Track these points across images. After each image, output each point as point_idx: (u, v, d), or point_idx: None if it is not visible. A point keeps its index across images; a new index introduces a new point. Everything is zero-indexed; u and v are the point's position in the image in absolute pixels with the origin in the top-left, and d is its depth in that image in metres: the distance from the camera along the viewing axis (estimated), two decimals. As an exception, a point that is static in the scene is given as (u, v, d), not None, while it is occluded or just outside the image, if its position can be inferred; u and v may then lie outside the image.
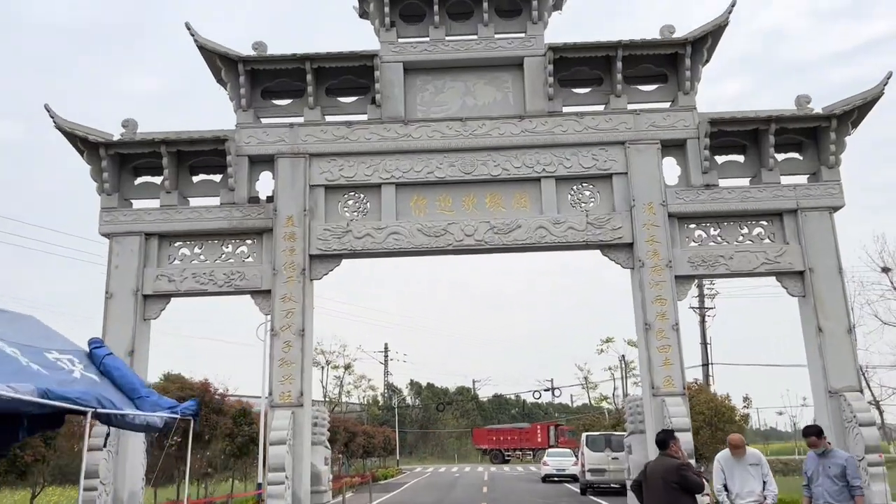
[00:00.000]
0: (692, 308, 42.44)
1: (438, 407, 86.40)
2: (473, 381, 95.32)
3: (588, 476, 26.71)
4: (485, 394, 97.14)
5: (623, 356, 43.22)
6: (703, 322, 41.73)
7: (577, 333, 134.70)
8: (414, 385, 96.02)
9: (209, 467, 21.86)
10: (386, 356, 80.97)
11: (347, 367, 40.79)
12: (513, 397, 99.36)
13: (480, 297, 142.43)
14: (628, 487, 14.83)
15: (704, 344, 40.48)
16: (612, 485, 26.80)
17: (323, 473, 14.01)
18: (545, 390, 67.07)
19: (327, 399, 40.03)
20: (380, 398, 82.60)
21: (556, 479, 37.51)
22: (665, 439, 7.32)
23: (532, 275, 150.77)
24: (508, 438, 66.23)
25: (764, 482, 8.02)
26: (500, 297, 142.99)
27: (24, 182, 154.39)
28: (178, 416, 6.78)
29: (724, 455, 8.32)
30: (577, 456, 38.03)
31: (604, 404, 55.50)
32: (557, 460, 38.04)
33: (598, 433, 29.59)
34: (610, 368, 47.03)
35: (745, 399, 26.90)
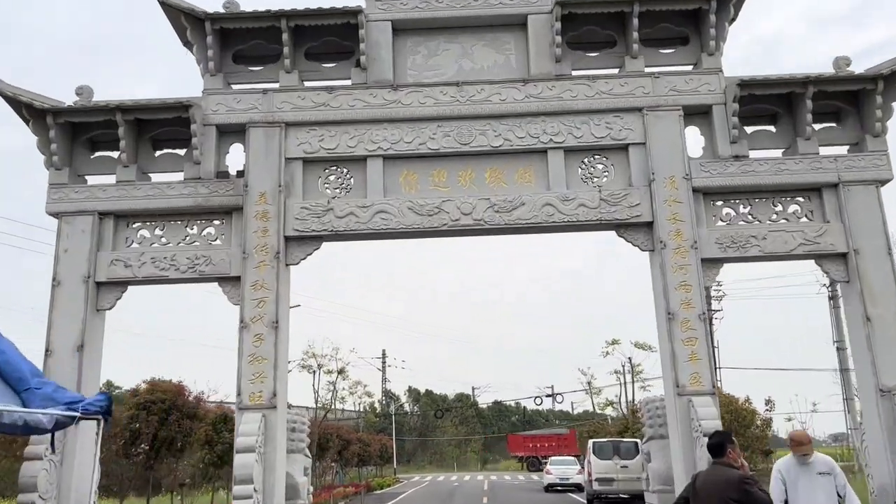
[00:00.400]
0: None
1: (437, 414, 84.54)
2: (473, 388, 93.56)
3: (595, 486, 25.03)
4: (485, 400, 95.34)
5: (630, 358, 41.53)
6: (710, 324, 40.16)
7: (579, 337, 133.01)
8: (412, 392, 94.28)
9: (187, 477, 20.16)
10: (384, 362, 79.21)
11: (341, 371, 38.96)
12: (513, 404, 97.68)
13: (480, 302, 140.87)
14: (648, 501, 13.32)
15: (712, 347, 38.89)
16: (620, 495, 25.17)
17: (301, 485, 12.37)
18: (547, 396, 65.29)
19: (320, 405, 38.23)
20: (377, 405, 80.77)
21: (559, 488, 35.88)
22: (721, 443, 5.67)
23: (532, 277, 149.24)
24: (546, 445, 63.39)
25: (839, 496, 6.33)
26: (500, 301, 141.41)
27: (23, 187, 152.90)
28: (78, 415, 5.16)
29: (785, 462, 6.65)
30: (582, 464, 36.45)
31: (608, 410, 53.73)
32: (561, 468, 36.39)
33: (605, 440, 27.92)
34: (616, 372, 45.24)
35: (768, 402, 25.15)
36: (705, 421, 10.60)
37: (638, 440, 26.79)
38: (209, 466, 20.33)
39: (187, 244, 12.18)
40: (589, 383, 55.34)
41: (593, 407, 56.95)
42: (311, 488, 13.24)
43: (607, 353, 43.54)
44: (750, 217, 12.14)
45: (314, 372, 36.08)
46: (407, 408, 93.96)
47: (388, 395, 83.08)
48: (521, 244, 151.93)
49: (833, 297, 44.98)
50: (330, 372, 38.27)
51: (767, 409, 25.21)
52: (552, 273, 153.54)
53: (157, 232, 12.28)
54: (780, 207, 12.18)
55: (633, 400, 40.31)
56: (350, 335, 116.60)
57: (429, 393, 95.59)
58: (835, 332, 43.45)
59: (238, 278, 11.79)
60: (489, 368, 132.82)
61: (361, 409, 72.20)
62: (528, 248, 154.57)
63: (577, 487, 34.62)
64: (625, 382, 46.14)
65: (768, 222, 12.07)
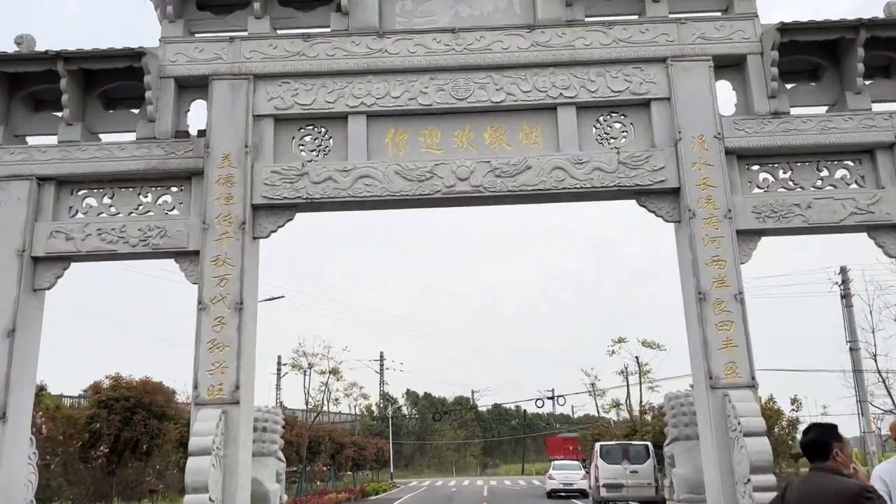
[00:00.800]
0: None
1: (435, 416, 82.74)
2: (472, 392, 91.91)
3: (603, 492, 23.38)
4: (485, 403, 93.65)
5: (637, 357, 39.81)
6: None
7: (579, 339, 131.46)
8: (410, 394, 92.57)
9: (160, 483, 18.45)
10: (381, 365, 77.58)
11: (334, 371, 37.20)
12: (513, 407, 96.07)
13: (479, 302, 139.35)
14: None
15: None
16: (630, 502, 23.52)
17: (272, 493, 10.77)
18: (548, 398, 63.50)
19: (311, 406, 36.49)
20: (374, 408, 79.02)
21: (562, 494, 34.27)
22: (824, 442, 3.98)
23: (532, 278, 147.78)
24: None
25: None
26: (500, 302, 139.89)
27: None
28: None
29: (888, 468, 4.99)
30: (586, 469, 34.87)
31: (612, 413, 52.00)
32: (564, 473, 34.76)
33: (613, 443, 26.25)
34: (622, 372, 43.48)
35: (794, 401, 23.37)
36: (746, 418, 8.96)
37: (648, 443, 25.22)
38: (184, 471, 18.66)
39: (140, 214, 10.52)
40: (592, 384, 53.57)
41: (597, 409, 55.19)
42: (286, 497, 11.59)
43: (613, 351, 41.78)
44: (791, 183, 10.49)
45: (305, 371, 34.36)
46: (405, 411, 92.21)
47: (386, 398, 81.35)
48: (520, 242, 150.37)
49: (845, 296, 43.39)
50: (322, 372, 36.52)
51: (794, 409, 23.47)
52: (552, 274, 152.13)
53: (106, 200, 10.63)
54: (825, 172, 10.53)
55: (641, 401, 38.61)
56: (345, 334, 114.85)
57: (427, 395, 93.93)
58: (847, 333, 41.80)
59: (197, 253, 10.14)
60: (489, 370, 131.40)
61: (358, 412, 70.55)
62: (527, 248, 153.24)
63: (582, 493, 33.06)
64: (629, 384, 44.47)
65: (812, 189, 10.43)
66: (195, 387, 9.65)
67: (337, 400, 42.06)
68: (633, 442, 25.99)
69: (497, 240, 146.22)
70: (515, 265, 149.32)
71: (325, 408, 38.81)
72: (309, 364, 33.96)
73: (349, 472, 47.74)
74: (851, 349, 40.70)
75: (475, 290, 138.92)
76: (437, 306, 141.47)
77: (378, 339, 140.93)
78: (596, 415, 64.29)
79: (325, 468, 38.43)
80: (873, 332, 35.47)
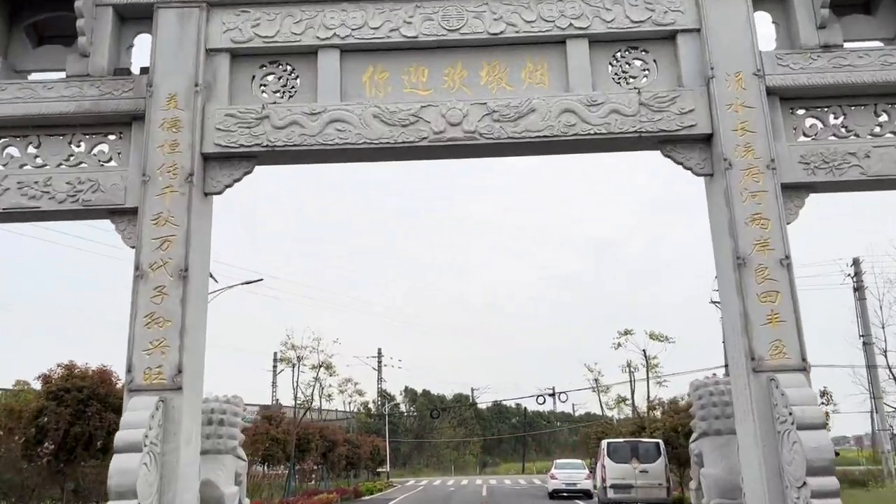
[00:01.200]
0: (714, 302, 37.46)
1: (433, 414, 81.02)
2: (472, 389, 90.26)
3: (610, 493, 21.79)
4: (485, 400, 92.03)
5: (644, 350, 38.15)
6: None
7: (579, 338, 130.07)
8: (409, 392, 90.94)
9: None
10: (379, 361, 75.99)
11: (328, 367, 35.55)
12: (513, 405, 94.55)
13: (479, 302, 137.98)
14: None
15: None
16: (639, 503, 21.90)
17: (228, 497, 9.08)
18: (549, 395, 61.84)
19: (300, 402, 34.83)
20: (371, 405, 77.37)
21: (565, 494, 32.64)
22: None
23: (531, 277, 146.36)
24: None
25: None
26: (499, 301, 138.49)
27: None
28: None
29: None
30: (590, 468, 33.34)
31: (614, 411, 50.33)
32: (567, 473, 33.12)
33: (621, 440, 24.62)
34: (628, 365, 41.80)
35: (824, 394, 21.70)
36: (799, 407, 7.31)
37: (659, 440, 23.63)
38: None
39: (71, 166, 8.87)
40: (596, 380, 51.90)
41: (601, 405, 53.49)
42: (247, 501, 9.93)
43: (619, 344, 40.08)
44: (844, 130, 8.83)
45: (294, 365, 32.68)
46: (403, 408, 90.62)
47: (383, 395, 79.71)
48: (520, 241, 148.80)
49: (858, 289, 41.75)
50: (314, 367, 34.84)
51: (824, 403, 21.83)
52: (552, 273, 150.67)
53: (31, 150, 8.96)
54: (884, 117, 8.86)
55: (649, 396, 37.00)
56: (344, 330, 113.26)
57: (426, 393, 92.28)
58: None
59: (136, 210, 8.49)
60: (488, 369, 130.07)
61: (354, 410, 68.97)
62: (527, 247, 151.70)
63: (586, 494, 31.47)
64: (634, 380, 42.85)
65: (869, 137, 8.76)
66: (129, 370, 8.00)
67: (330, 396, 40.43)
68: (643, 439, 24.39)
69: (497, 238, 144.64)
70: (515, 264, 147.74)
71: (317, 404, 37.15)
72: (298, 357, 32.34)
73: (344, 472, 46.08)
74: (865, 343, 39.13)
75: (475, 289, 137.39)
76: (437, 304, 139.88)
77: (377, 337, 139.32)
78: (598, 412, 62.66)
79: (315, 467, 36.87)
80: (883, 328, 34.09)
